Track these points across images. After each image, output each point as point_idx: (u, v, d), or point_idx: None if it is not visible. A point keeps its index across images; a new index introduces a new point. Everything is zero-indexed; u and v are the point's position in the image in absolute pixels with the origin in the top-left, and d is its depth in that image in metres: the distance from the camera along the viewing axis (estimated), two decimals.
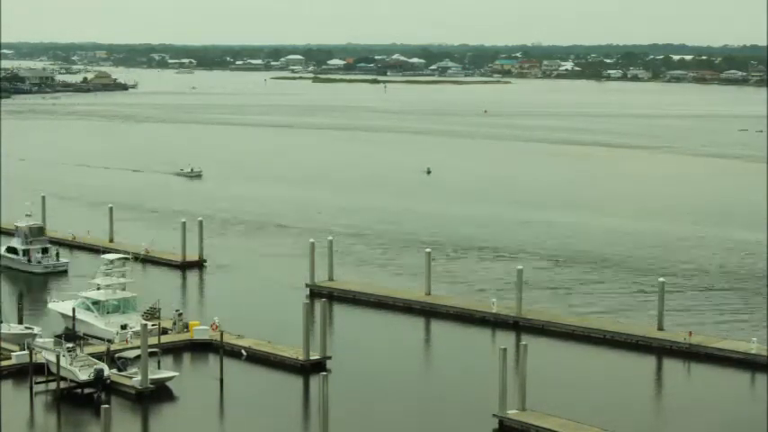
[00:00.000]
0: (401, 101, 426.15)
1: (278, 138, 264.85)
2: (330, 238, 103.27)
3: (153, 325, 79.14)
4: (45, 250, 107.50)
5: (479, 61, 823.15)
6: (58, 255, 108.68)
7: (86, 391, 70.13)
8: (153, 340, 75.60)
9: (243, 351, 78.06)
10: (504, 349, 64.95)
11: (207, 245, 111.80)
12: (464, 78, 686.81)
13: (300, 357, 75.66)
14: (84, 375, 69.71)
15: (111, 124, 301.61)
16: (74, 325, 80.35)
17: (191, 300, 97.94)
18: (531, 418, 64.11)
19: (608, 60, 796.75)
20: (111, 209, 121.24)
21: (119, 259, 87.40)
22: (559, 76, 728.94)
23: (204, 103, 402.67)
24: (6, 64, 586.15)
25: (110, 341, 77.28)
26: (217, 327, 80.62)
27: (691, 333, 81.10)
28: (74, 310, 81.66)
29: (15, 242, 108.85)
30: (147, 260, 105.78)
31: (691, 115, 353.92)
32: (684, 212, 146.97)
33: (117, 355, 73.24)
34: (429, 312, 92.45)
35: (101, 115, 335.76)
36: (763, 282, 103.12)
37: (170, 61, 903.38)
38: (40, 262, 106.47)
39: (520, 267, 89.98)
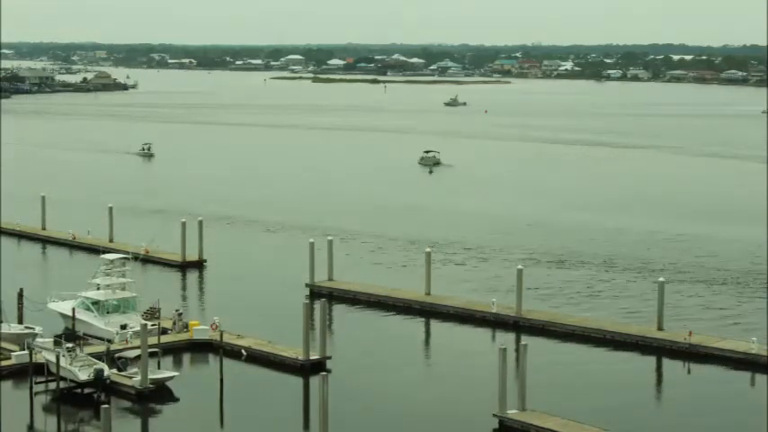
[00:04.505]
0: (401, 100, 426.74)
1: (271, 137, 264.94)
2: (330, 238, 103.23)
3: (153, 325, 79.11)
4: None
5: (479, 61, 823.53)
6: None
7: (86, 391, 70.15)
8: (153, 340, 75.56)
9: (243, 351, 78.04)
10: (504, 349, 64.95)
11: (207, 245, 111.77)
12: (464, 78, 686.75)
13: (300, 357, 75.66)
14: (84, 375, 69.68)
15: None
16: (74, 325, 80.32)
17: (191, 300, 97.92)
18: (531, 418, 64.09)
19: (608, 60, 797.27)
20: (110, 209, 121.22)
21: (119, 259, 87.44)
22: (559, 76, 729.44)
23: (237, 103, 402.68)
24: (6, 64, 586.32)
25: (110, 341, 77.24)
26: (217, 327, 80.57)
27: (691, 333, 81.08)
28: (74, 310, 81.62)
29: None
30: (147, 260, 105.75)
31: (690, 115, 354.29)
32: (684, 212, 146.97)
33: (117, 355, 73.25)
34: (429, 312, 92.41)
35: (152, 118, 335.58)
36: (763, 282, 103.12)
37: (170, 61, 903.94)
38: None
39: (520, 267, 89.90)
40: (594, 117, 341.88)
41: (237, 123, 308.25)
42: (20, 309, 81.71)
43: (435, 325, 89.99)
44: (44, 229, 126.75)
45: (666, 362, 79.86)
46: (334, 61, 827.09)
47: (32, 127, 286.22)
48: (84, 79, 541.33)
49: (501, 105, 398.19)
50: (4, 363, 73.68)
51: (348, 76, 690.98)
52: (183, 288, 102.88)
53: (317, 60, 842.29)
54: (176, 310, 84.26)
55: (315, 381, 65.97)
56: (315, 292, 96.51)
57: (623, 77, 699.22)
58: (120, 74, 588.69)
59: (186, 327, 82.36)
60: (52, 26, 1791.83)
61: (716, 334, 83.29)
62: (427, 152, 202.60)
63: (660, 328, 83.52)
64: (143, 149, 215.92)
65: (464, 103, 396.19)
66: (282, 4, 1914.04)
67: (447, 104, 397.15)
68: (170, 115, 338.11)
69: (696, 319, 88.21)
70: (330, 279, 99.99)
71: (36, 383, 69.61)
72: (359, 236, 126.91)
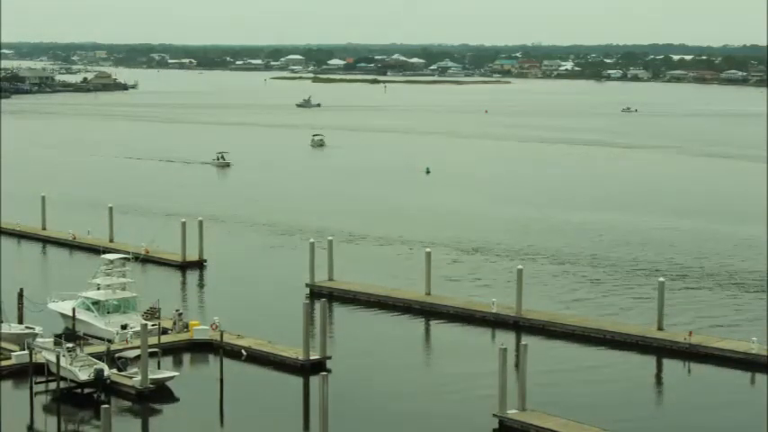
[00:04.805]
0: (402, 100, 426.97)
1: (269, 138, 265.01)
2: (330, 238, 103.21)
3: (153, 325, 79.11)
4: None
5: (479, 61, 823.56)
6: None
7: (86, 391, 70.15)
8: (153, 340, 75.57)
9: (243, 351, 78.04)
10: (505, 349, 64.94)
11: (207, 245, 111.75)
12: (464, 78, 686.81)
13: (300, 357, 75.66)
14: (84, 375, 69.68)
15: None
16: (74, 325, 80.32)
17: (191, 300, 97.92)
18: (531, 418, 64.09)
19: (608, 60, 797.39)
20: (110, 209, 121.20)
21: (119, 259, 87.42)
22: (559, 76, 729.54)
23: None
24: (6, 64, 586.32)
25: (110, 341, 77.24)
26: (217, 327, 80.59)
27: (691, 333, 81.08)
28: (74, 310, 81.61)
29: None
30: (147, 260, 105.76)
31: (690, 114, 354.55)
32: (684, 212, 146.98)
33: (117, 355, 73.25)
34: (429, 312, 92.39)
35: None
36: (763, 282, 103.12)
37: (170, 61, 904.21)
38: None
39: (520, 267, 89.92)
40: (594, 117, 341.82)
41: (265, 124, 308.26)
42: (20, 309, 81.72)
43: (435, 325, 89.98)
44: (44, 229, 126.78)
45: (666, 362, 79.86)
46: (335, 61, 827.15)
47: (46, 127, 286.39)
48: (85, 79, 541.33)
49: (496, 104, 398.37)
50: (4, 363, 73.68)
51: (348, 76, 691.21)
52: (183, 288, 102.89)
53: (317, 60, 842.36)
54: (176, 310, 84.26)
55: (315, 381, 65.99)
56: (315, 292, 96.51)
57: (623, 77, 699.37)
58: (120, 73, 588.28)
59: (186, 327, 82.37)
60: (52, 26, 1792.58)
61: (716, 334, 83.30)
62: (315, 135, 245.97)
63: (660, 328, 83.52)
64: (217, 158, 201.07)
65: (318, 105, 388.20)
66: (282, 4, 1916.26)
67: (299, 105, 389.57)
68: (184, 116, 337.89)
69: (696, 319, 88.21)
70: (330, 279, 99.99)
71: (36, 383, 69.56)
72: (359, 236, 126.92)
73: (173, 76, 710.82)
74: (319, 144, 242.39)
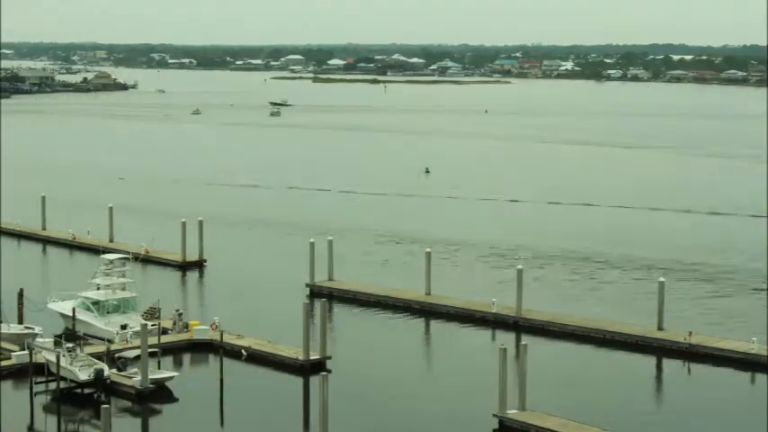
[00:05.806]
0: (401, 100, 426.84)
1: (276, 138, 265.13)
2: (330, 238, 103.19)
3: (153, 325, 79.11)
4: None
5: (479, 61, 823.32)
6: None
7: (86, 391, 70.15)
8: (153, 340, 75.58)
9: (243, 351, 78.05)
10: (505, 349, 64.94)
11: (207, 245, 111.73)
12: (464, 78, 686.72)
13: (300, 357, 75.66)
14: (84, 375, 69.69)
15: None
16: (74, 325, 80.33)
17: (191, 300, 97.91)
18: (531, 418, 64.08)
19: (608, 60, 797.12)
20: (111, 209, 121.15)
21: (119, 259, 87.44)
22: (559, 76, 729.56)
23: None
24: (6, 64, 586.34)
25: (110, 341, 77.26)
26: (216, 327, 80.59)
27: (691, 333, 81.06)
28: (74, 310, 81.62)
29: None
30: (147, 260, 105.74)
31: (690, 114, 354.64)
32: (684, 212, 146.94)
33: (117, 355, 73.26)
34: (429, 312, 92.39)
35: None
36: (763, 281, 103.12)
37: (170, 61, 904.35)
38: None
39: (520, 267, 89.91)
40: (594, 117, 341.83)
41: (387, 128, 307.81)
42: (20, 309, 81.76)
43: (435, 325, 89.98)
44: (44, 229, 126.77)
45: (666, 362, 79.86)
46: (335, 61, 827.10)
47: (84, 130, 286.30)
48: (85, 79, 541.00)
49: (500, 104, 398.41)
50: (4, 363, 73.71)
51: (348, 76, 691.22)
52: (183, 288, 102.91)
53: (317, 60, 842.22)
54: (176, 310, 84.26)
55: (315, 381, 65.97)
56: (315, 292, 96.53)
57: (623, 77, 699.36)
58: (118, 74, 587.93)
59: (186, 327, 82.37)
60: (52, 26, 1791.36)
61: (716, 334, 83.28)
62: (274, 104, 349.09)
63: (660, 328, 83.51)
64: None
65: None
66: (282, 4, 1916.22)
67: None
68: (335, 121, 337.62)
69: (696, 319, 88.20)
70: (330, 279, 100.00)
71: (36, 383, 69.56)
72: (359, 236, 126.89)
73: (173, 76, 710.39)
74: (273, 112, 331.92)
